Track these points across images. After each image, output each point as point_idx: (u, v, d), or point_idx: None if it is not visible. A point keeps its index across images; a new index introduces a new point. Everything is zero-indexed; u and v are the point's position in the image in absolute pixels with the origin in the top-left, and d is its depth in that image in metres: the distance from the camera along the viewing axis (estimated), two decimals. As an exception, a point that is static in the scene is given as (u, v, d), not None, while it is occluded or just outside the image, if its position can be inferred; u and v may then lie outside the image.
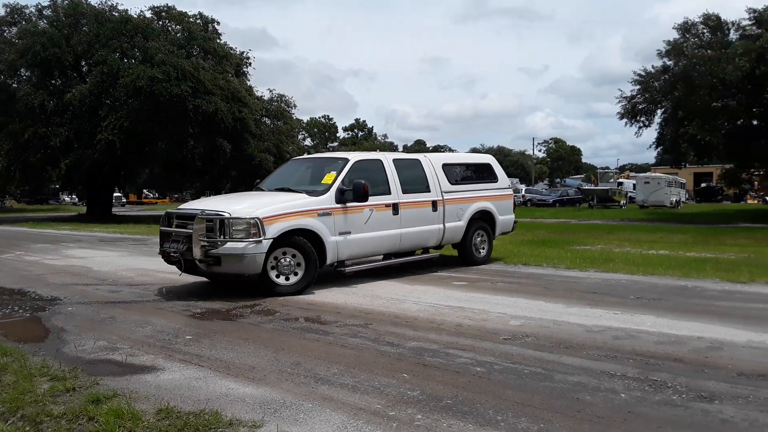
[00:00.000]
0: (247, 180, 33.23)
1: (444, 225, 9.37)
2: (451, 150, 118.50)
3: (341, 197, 7.82)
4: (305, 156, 11.23)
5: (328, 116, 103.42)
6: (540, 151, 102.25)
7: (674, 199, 38.02)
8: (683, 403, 3.48)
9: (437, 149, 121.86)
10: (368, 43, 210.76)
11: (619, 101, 25.84)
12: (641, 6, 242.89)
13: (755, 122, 24.24)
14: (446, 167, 9.69)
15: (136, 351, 4.77)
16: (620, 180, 44.89)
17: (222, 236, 6.92)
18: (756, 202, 48.24)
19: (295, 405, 3.49)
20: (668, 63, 23.94)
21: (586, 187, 45.02)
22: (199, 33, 30.34)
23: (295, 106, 35.82)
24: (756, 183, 45.11)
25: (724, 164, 31.20)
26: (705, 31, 23.92)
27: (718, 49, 22.28)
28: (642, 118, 25.40)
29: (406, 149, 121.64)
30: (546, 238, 14.54)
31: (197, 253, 6.94)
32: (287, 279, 7.28)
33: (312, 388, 3.79)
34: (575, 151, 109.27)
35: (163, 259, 7.78)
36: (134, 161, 29.82)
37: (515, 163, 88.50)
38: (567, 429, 3.11)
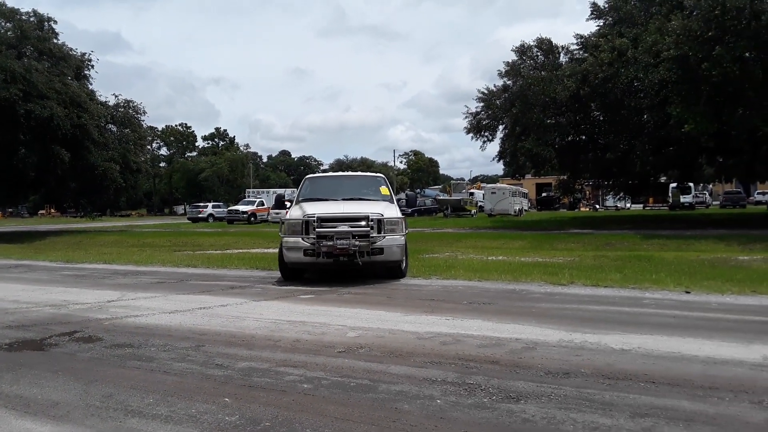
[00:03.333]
0: (90, 192, 30.77)
1: None
2: (317, 161, 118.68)
3: (399, 204, 10.34)
4: (328, 174, 13.78)
5: (186, 124, 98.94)
6: (401, 162, 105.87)
7: (517, 208, 41.18)
8: (492, 404, 3.69)
9: (303, 160, 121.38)
10: (230, 52, 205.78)
11: (466, 117, 27.58)
12: (487, 29, 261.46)
13: (583, 137, 26.96)
14: None
15: None
16: (471, 190, 47.76)
17: (381, 232, 8.94)
18: (587, 209, 53.66)
19: (97, 443, 3.20)
20: (508, 83, 25.98)
21: (441, 197, 47.23)
22: (33, 32, 27.69)
23: (144, 112, 33.70)
24: (587, 192, 50.25)
25: (559, 175, 34.36)
26: (539, 53, 26.25)
27: (550, 71, 24.52)
28: (486, 133, 27.34)
29: (271, 159, 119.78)
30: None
31: (368, 245, 8.83)
32: None
33: (120, 422, 3.51)
34: (433, 163, 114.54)
35: (317, 256, 8.89)
36: (-50, 172, 26.34)
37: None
38: (379, 441, 3.16)
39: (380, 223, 8.99)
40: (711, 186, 57.54)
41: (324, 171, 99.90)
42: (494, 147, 48.04)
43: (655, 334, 5.41)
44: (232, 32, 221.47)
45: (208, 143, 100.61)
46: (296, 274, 9.68)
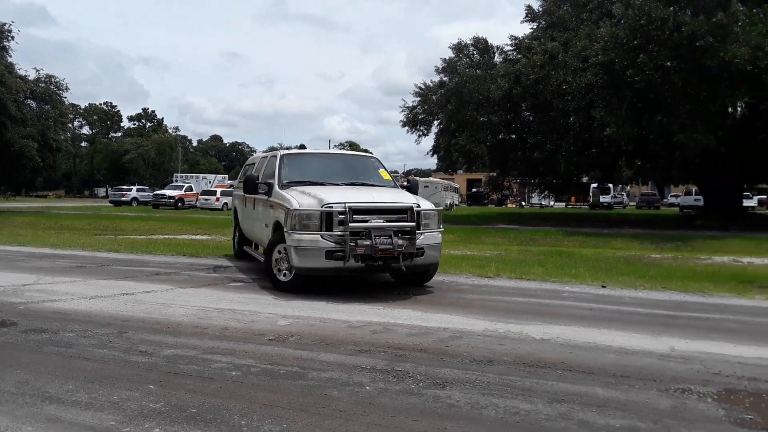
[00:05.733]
0: (4, 170, 28.84)
1: None
2: (250, 148, 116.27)
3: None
4: (310, 151, 9.91)
5: (111, 103, 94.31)
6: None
7: (449, 202, 42.02)
8: (419, 391, 3.79)
9: (235, 146, 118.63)
10: (162, 32, 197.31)
11: (403, 110, 27.85)
12: (424, 26, 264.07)
13: (513, 136, 27.78)
14: None
15: None
16: (404, 183, 48.24)
17: (420, 228, 7.20)
18: (514, 205, 55.42)
19: (12, 430, 3.06)
20: (444, 79, 26.37)
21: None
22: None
23: (67, 89, 31.88)
24: (515, 189, 51.86)
25: (489, 172, 35.28)
26: (475, 52, 26.76)
27: (485, 70, 25.08)
28: (422, 128, 27.70)
29: (202, 144, 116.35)
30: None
31: (413, 246, 6.97)
32: None
33: (37, 408, 3.36)
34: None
35: (345, 260, 6.82)
36: None
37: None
38: (309, 427, 3.18)
39: (419, 217, 7.30)
40: (629, 187, 60.76)
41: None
42: (429, 141, 48.71)
43: (573, 326, 5.70)
44: (164, 11, 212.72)
45: (135, 124, 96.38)
46: (303, 285, 7.28)
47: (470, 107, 23.74)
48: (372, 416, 3.36)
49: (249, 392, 3.71)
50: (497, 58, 26.81)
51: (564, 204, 52.97)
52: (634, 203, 56.47)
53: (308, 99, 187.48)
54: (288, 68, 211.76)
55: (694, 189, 39.09)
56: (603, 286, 8.23)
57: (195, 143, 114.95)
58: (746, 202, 35.89)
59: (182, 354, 4.53)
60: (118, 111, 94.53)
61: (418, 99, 27.41)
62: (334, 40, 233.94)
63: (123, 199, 44.04)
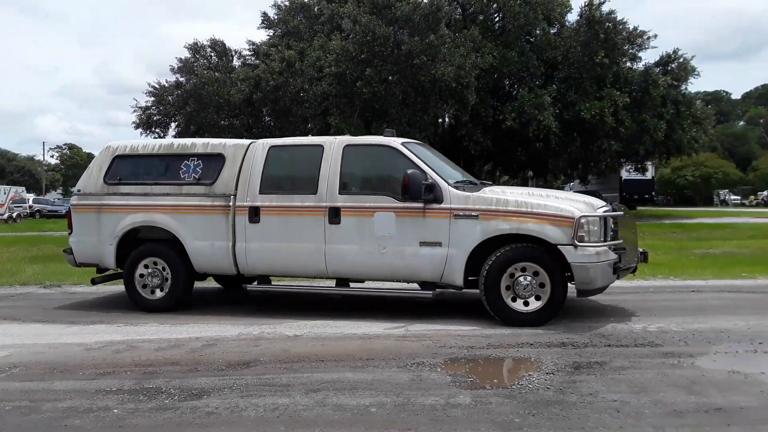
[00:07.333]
0: None
1: None
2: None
3: None
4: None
5: None
6: (53, 157, 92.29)
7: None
8: (174, 404, 3.65)
9: None
10: None
11: (135, 111, 25.90)
12: (153, 22, 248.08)
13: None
14: None
15: None
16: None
17: None
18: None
19: None
20: (181, 79, 25.29)
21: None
22: None
23: None
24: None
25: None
26: (212, 54, 26.23)
27: (224, 73, 24.74)
28: (157, 130, 26.11)
29: None
30: (54, 253, 13.20)
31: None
32: None
33: None
34: (93, 158, 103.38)
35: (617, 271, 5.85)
36: None
37: (22, 170, 77.66)
38: (47, 464, 2.85)
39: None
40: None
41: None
42: (165, 145, 45.93)
43: (323, 318, 6.01)
44: None
45: None
46: (554, 314, 5.83)
47: (210, 110, 23.22)
48: (123, 439, 3.15)
49: (-37, 439, 3.15)
50: (236, 62, 26.69)
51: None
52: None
53: (13, 95, 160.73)
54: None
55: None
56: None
57: None
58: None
59: None
60: None
61: (153, 99, 25.79)
62: (46, 30, 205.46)
63: None
